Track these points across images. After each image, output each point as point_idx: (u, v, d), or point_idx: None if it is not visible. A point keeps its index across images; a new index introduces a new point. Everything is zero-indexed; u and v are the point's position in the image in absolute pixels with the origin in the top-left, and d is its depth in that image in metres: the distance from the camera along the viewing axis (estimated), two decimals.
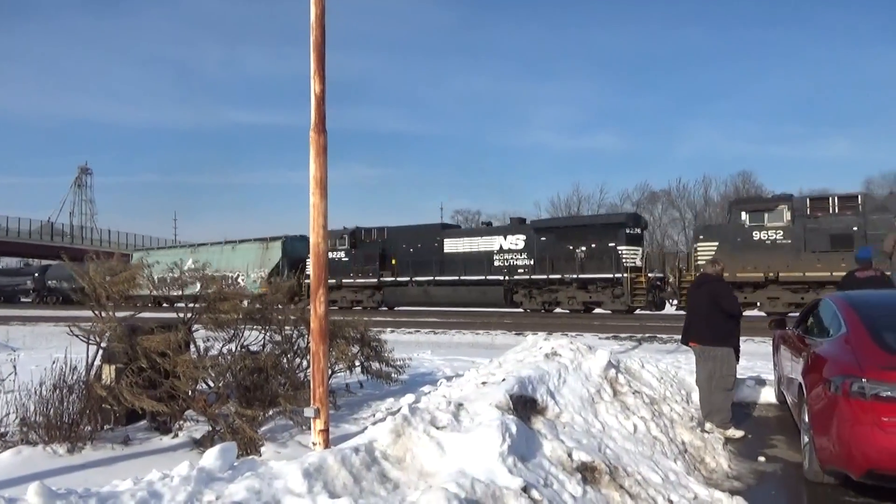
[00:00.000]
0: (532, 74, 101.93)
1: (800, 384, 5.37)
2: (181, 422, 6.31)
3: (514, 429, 4.25)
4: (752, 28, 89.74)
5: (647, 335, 15.15)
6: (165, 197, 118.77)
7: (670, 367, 8.13)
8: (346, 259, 30.71)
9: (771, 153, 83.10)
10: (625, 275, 23.46)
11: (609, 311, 24.22)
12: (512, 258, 26.67)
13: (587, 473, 4.45)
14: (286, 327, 7.15)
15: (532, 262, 25.92)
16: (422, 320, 21.73)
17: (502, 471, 3.85)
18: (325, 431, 4.70)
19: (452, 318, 22.58)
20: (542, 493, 3.84)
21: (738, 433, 6.27)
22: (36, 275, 49.13)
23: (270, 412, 6.13)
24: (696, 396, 6.97)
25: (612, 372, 6.49)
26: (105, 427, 6.15)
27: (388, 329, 16.46)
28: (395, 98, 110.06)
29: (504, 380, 5.50)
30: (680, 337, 7.44)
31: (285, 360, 6.91)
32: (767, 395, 8.10)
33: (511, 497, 3.63)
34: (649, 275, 23.84)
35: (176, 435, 6.20)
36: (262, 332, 7.00)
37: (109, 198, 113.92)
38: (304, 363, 7.01)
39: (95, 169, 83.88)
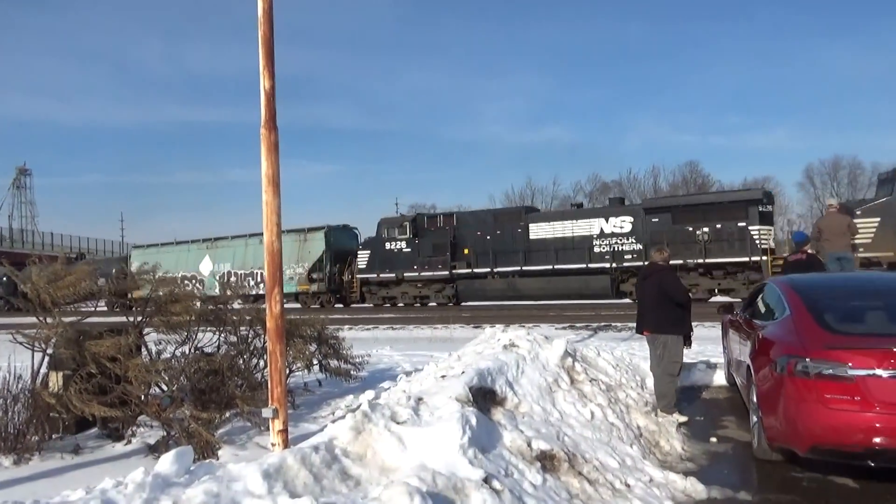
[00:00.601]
0: (482, 70, 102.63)
1: (748, 366, 5.55)
2: (134, 428, 6.16)
3: (473, 421, 4.28)
4: (693, 22, 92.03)
5: (602, 324, 15.42)
6: (112, 198, 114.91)
7: (625, 355, 8.30)
8: (409, 250, 26.76)
9: (715, 143, 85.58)
10: (763, 258, 20.31)
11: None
12: (617, 243, 23.27)
13: (546, 462, 4.52)
14: (241, 327, 7.05)
15: (642, 247, 22.53)
16: (380, 316, 21.65)
17: (463, 463, 3.88)
18: (284, 432, 4.64)
19: (411, 314, 22.53)
20: (502, 483, 3.89)
21: (682, 418, 6.40)
22: (4, 279, 43.31)
23: (227, 414, 6.03)
24: (650, 382, 7.14)
25: (569, 361, 6.59)
26: (53, 436, 5.97)
27: (346, 326, 16.35)
28: (345, 94, 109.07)
29: (463, 372, 5.54)
30: (634, 324, 7.60)
31: (241, 361, 6.81)
32: (718, 378, 8.35)
33: (472, 488, 3.67)
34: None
35: (129, 441, 6.05)
36: (217, 333, 6.88)
37: (51, 200, 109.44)
38: (261, 363, 6.93)
39: (35, 170, 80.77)
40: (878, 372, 4.22)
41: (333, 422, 4.70)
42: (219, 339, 6.87)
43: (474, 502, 3.60)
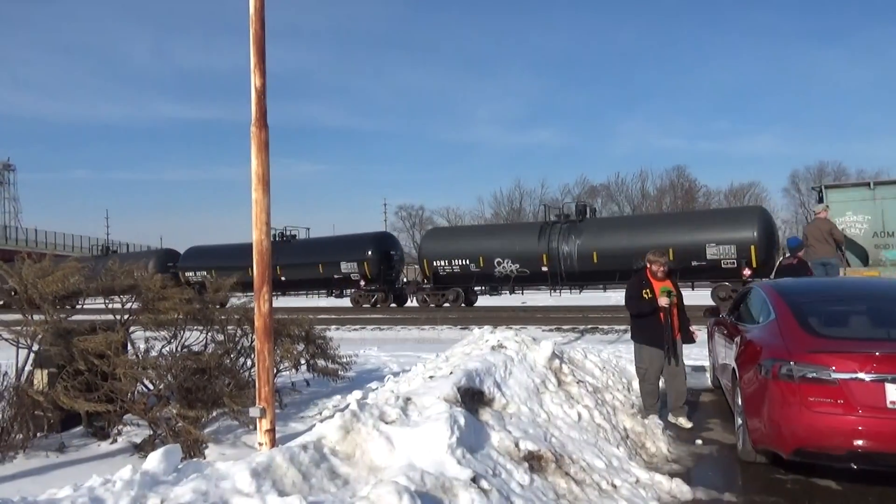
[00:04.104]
0: (473, 71, 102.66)
1: (733, 369, 5.61)
2: (119, 426, 6.13)
3: (462, 421, 4.30)
4: (682, 28, 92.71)
5: (588, 326, 15.46)
6: (97, 194, 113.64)
7: (612, 357, 8.35)
8: None
9: (702, 148, 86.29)
10: None
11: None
12: None
13: (534, 462, 4.55)
14: (229, 326, 7.03)
15: None
16: (367, 317, 21.61)
17: (451, 462, 3.90)
18: (272, 431, 4.64)
19: (398, 315, 22.49)
20: (490, 482, 3.91)
21: (658, 422, 6.29)
22: None
23: (214, 413, 6.02)
24: (636, 384, 7.19)
25: (557, 362, 6.63)
26: (38, 435, 5.92)
27: (333, 326, 16.32)
28: (334, 93, 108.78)
29: (451, 373, 5.56)
30: (620, 327, 7.62)
31: (229, 360, 6.79)
32: (704, 381, 8.43)
33: (460, 488, 3.68)
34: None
35: (114, 440, 6.02)
36: (204, 331, 6.86)
37: (34, 195, 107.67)
38: (249, 362, 6.91)
39: (19, 165, 79.72)
40: (861, 375, 4.28)
41: (322, 421, 4.70)
42: (206, 337, 6.85)
43: (462, 502, 3.61)
